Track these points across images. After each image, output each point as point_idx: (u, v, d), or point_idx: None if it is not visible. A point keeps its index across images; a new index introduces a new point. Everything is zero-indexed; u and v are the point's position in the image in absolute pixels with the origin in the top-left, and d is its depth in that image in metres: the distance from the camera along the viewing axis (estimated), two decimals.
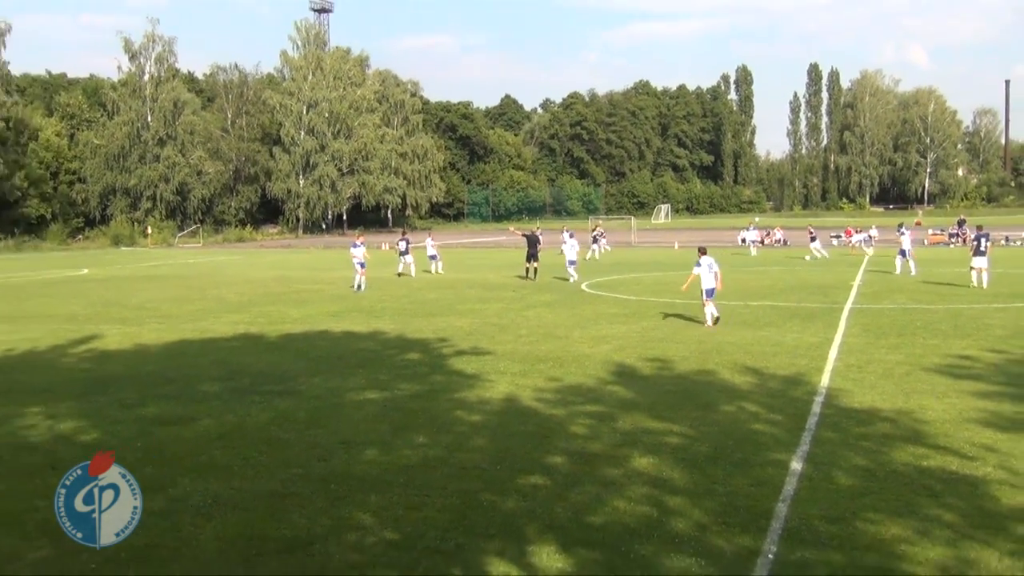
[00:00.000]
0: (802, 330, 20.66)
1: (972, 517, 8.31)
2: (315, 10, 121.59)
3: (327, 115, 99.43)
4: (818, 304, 26.05)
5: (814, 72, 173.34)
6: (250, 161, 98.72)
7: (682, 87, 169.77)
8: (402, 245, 40.08)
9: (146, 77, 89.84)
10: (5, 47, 78.62)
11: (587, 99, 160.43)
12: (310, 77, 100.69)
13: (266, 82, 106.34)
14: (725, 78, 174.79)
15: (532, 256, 36.08)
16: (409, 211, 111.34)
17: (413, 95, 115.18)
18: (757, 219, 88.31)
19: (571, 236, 37.09)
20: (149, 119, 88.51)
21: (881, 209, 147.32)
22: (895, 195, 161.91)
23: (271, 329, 22.53)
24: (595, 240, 55.07)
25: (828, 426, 11.73)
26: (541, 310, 25.72)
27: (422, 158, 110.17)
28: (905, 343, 18.43)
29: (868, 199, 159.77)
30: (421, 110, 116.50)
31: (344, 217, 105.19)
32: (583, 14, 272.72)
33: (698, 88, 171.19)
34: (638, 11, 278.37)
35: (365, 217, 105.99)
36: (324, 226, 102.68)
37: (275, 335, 21.53)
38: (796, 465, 9.98)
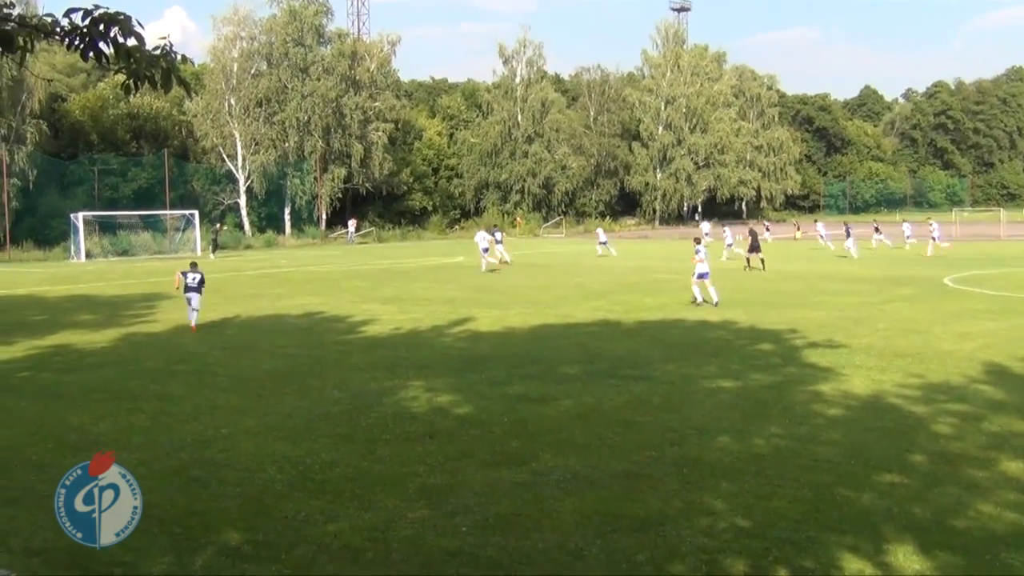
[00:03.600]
0: None
1: None
2: (675, 9, 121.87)
3: (684, 110, 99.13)
4: None
5: None
6: (610, 156, 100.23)
7: None
8: (498, 235, 43.95)
9: (517, 79, 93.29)
10: (395, 55, 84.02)
11: (953, 87, 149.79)
12: (668, 74, 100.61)
13: (626, 80, 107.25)
14: None
15: (754, 248, 37.68)
16: (763, 203, 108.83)
17: (770, 88, 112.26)
18: None
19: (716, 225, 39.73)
20: (519, 118, 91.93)
21: None
22: None
23: (627, 316, 22.78)
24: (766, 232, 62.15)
25: None
26: (900, 304, 24.34)
27: (777, 151, 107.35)
28: None
29: None
30: (777, 103, 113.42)
31: (699, 209, 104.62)
32: (949, 1, 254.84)
33: None
34: None
35: (719, 209, 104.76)
36: (680, 216, 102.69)
37: (631, 322, 21.76)
38: None
